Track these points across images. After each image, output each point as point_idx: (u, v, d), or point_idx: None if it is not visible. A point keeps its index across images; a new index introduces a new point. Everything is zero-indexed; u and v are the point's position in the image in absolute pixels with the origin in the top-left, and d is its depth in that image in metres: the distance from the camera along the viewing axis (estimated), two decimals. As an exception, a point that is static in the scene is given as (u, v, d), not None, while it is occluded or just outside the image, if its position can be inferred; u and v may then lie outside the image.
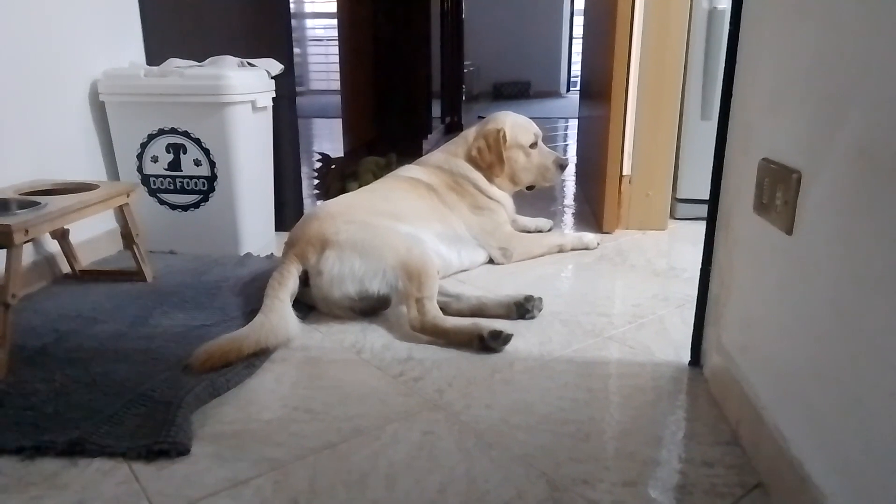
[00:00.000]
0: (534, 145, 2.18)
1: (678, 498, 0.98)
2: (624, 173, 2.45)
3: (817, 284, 0.87)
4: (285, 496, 0.98)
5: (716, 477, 1.02)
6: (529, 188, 2.25)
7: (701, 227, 2.41)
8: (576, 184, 3.55)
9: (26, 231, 1.35)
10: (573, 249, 2.22)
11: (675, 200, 2.63)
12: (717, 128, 1.27)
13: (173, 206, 2.14)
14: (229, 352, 1.37)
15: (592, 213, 2.70)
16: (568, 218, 2.73)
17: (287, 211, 2.49)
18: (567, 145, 5.13)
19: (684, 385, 1.32)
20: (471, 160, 2.13)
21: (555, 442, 1.11)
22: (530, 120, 2.23)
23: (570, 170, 3.87)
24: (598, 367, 1.39)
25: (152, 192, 2.13)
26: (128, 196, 1.74)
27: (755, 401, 1.06)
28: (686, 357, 1.42)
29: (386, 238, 1.66)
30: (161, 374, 1.34)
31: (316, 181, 3.24)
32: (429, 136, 4.55)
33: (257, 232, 2.27)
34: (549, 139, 5.53)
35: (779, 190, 0.98)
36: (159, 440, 1.08)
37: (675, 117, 2.43)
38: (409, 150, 4.44)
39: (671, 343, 1.50)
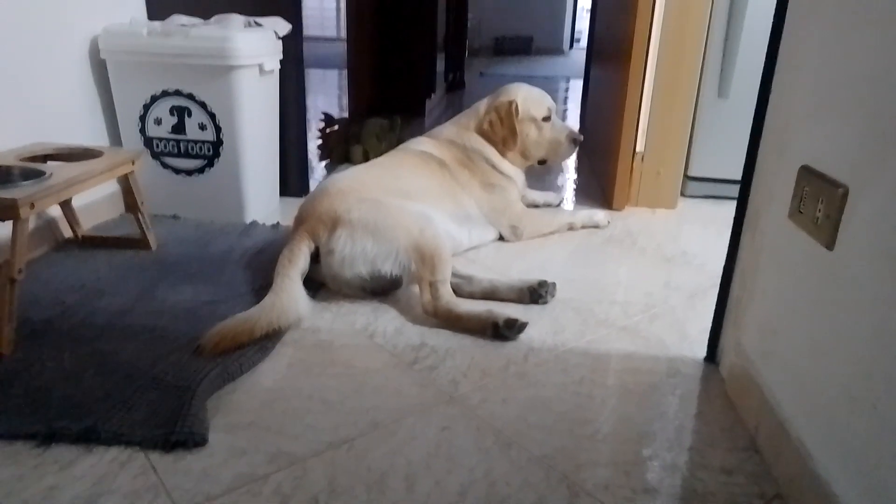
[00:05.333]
0: (547, 119, 2.11)
1: (698, 508, 0.98)
2: (637, 150, 2.41)
3: (858, 305, 0.85)
4: (305, 495, 0.97)
5: (735, 486, 1.02)
6: (541, 162, 2.21)
7: (711, 206, 2.40)
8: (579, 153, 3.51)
9: (32, 205, 1.30)
10: (583, 227, 2.20)
11: (687, 178, 2.59)
12: (752, 126, 1.23)
13: (177, 171, 2.08)
14: (240, 334, 1.35)
15: (601, 188, 2.66)
16: (575, 192, 2.69)
17: (292, 176, 2.44)
18: (567, 109, 5.04)
19: (700, 383, 1.31)
20: (482, 133, 2.07)
21: (573, 443, 1.11)
22: (544, 92, 2.17)
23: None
24: (612, 360, 1.38)
25: (155, 156, 2.07)
26: (133, 163, 1.68)
27: (777, 409, 1.06)
28: (700, 352, 1.41)
29: (399, 218, 1.63)
30: (171, 355, 1.32)
31: (319, 141, 3.17)
32: (432, 94, 4.45)
33: (262, 199, 2.22)
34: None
35: (821, 202, 0.95)
36: (176, 430, 1.07)
37: (692, 94, 2.37)
38: (413, 110, 4.37)
39: (685, 337, 1.49)
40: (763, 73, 1.19)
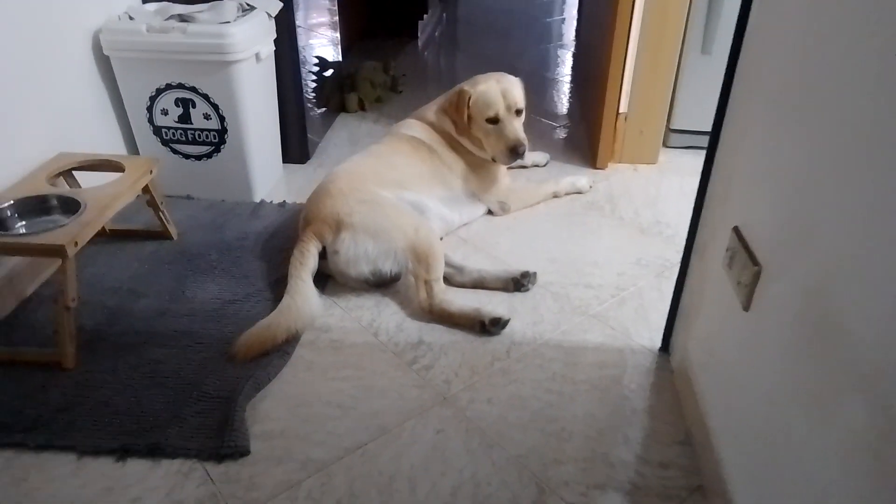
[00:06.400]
0: (494, 120, 2.07)
1: (635, 501, 1.26)
2: (620, 111, 2.52)
3: (767, 357, 1.06)
4: (331, 499, 1.25)
5: (668, 479, 1.30)
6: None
7: (691, 157, 2.54)
8: (571, 83, 3.57)
9: (76, 243, 1.49)
10: (567, 194, 2.37)
11: (669, 130, 2.71)
12: (703, 167, 1.39)
13: (186, 156, 2.23)
14: (265, 341, 1.59)
15: (588, 142, 2.79)
16: (564, 146, 2.82)
17: (292, 144, 2.57)
18: (565, 19, 4.97)
19: (654, 375, 1.56)
20: (444, 113, 2.16)
21: (543, 442, 1.38)
22: (506, 91, 2.08)
23: (567, 69, 3.85)
24: (581, 354, 1.63)
25: (164, 143, 2.21)
26: (151, 172, 1.84)
27: (706, 418, 1.31)
28: (657, 341, 1.65)
29: (395, 219, 1.81)
30: (209, 362, 1.56)
31: (314, 85, 3.24)
32: (424, 15, 4.39)
33: (267, 174, 2.38)
34: (546, 7, 5.32)
35: (743, 269, 1.15)
36: (224, 443, 1.34)
37: (675, 54, 2.45)
38: (406, 32, 4.34)
39: (647, 324, 1.72)
40: (711, 132, 1.34)
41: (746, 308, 1.13)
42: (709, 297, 1.37)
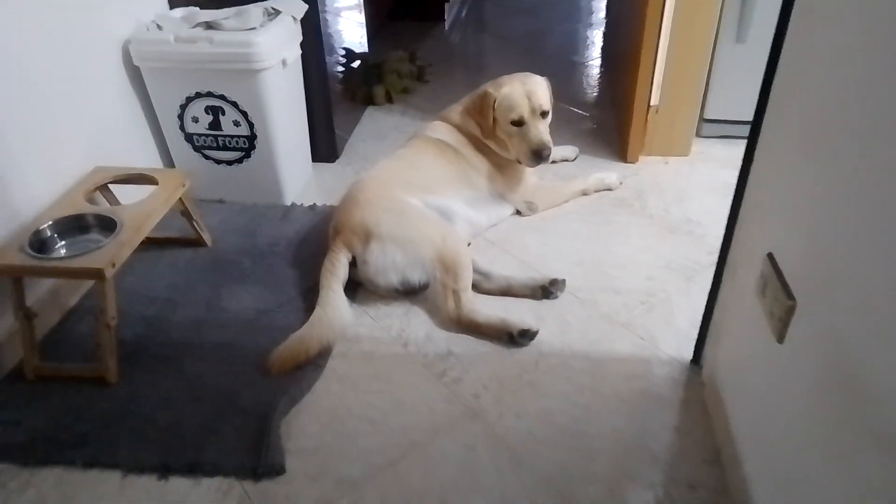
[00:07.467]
0: (518, 123, 2.04)
1: (664, 522, 1.28)
2: (651, 104, 2.47)
3: (799, 391, 1.05)
4: (364, 518, 1.30)
5: (696, 501, 1.31)
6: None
7: (724, 147, 2.47)
8: (601, 68, 3.49)
9: (113, 265, 1.54)
10: (596, 192, 2.34)
11: (702, 120, 2.65)
12: (737, 183, 1.36)
13: (218, 162, 2.26)
14: (299, 355, 1.63)
15: (617, 133, 2.74)
16: (592, 136, 2.78)
17: (321, 143, 2.59)
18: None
19: (684, 389, 1.56)
20: (468, 114, 2.15)
21: (571, 460, 1.40)
22: (531, 93, 2.04)
23: (596, 52, 3.77)
24: (609, 365, 1.63)
25: (196, 149, 2.24)
26: (184, 185, 1.88)
27: (735, 441, 1.31)
28: (688, 351, 1.64)
29: (423, 228, 1.82)
30: (245, 375, 1.61)
31: (341, 75, 3.24)
32: (450, -2, 4.32)
33: (297, 177, 2.40)
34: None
35: (776, 300, 1.13)
36: (260, 462, 1.39)
37: (709, 44, 2.38)
38: (432, 14, 4.28)
39: (676, 333, 1.71)
40: (746, 148, 1.30)
41: (780, 341, 1.11)
42: (740, 316, 1.35)
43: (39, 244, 1.60)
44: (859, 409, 0.85)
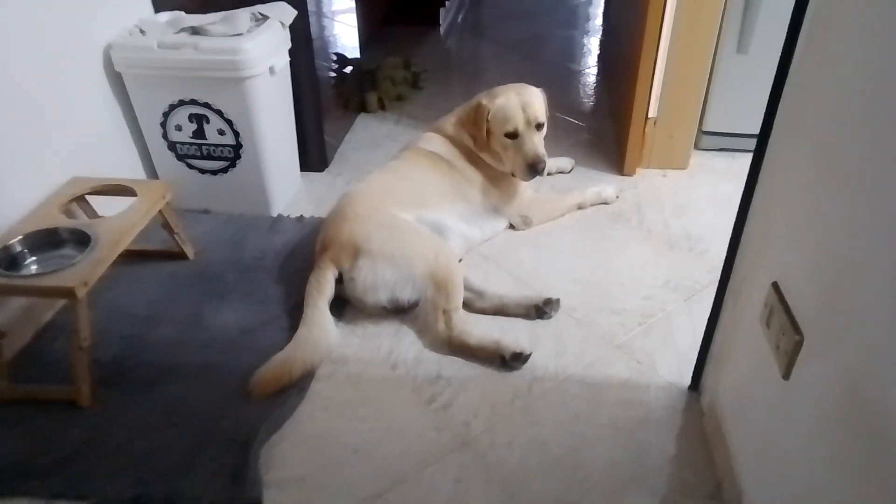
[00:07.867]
0: (513, 135, 1.98)
1: (663, 563, 1.21)
2: (650, 115, 2.41)
3: (806, 428, 0.99)
4: (347, 557, 1.23)
5: (696, 539, 1.24)
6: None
7: (723, 159, 2.40)
8: (597, 76, 3.43)
9: (86, 283, 1.47)
10: (592, 206, 2.28)
11: (701, 132, 2.59)
12: (739, 207, 1.30)
13: (202, 171, 2.19)
14: (282, 377, 1.56)
15: (615, 145, 2.68)
16: (589, 147, 2.72)
17: (311, 152, 2.52)
18: (591, 1, 4.77)
19: (682, 417, 1.50)
20: (463, 127, 2.09)
21: (565, 495, 1.33)
22: (526, 105, 1.98)
23: (593, 60, 3.71)
24: (605, 391, 1.57)
25: (180, 158, 2.17)
26: (164, 197, 1.80)
27: (738, 477, 1.25)
28: (686, 376, 1.58)
29: (415, 245, 1.76)
30: (224, 402, 1.53)
31: (333, 81, 3.17)
32: (447, 2, 4.26)
33: (285, 186, 2.33)
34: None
35: (783, 333, 1.07)
36: (236, 496, 1.31)
37: (709, 55, 2.32)
38: (428, 19, 4.21)
39: (675, 355, 1.65)
40: (747, 180, 1.24)
41: (786, 377, 1.05)
42: (743, 344, 1.29)
43: (9, 260, 1.52)
44: (869, 454, 0.79)
